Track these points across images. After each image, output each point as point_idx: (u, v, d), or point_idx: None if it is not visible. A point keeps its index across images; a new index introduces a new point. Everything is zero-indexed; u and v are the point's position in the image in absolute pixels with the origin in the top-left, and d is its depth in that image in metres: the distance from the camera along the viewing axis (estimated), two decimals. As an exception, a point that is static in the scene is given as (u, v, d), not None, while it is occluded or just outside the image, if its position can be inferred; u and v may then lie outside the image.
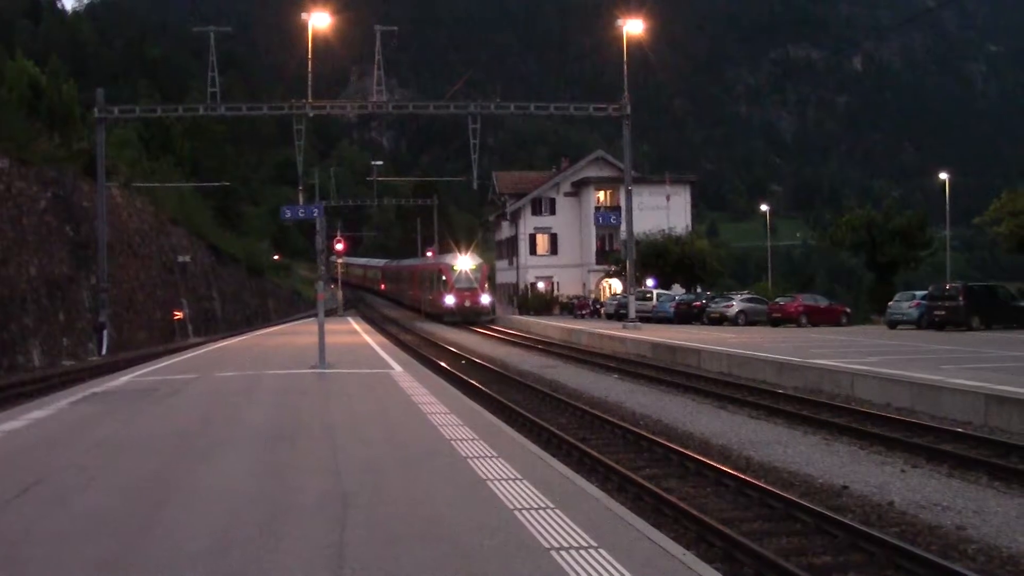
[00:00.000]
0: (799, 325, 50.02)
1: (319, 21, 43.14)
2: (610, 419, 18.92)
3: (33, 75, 54.19)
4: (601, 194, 77.12)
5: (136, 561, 7.16)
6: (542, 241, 79.78)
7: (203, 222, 74.69)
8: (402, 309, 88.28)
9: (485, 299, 65.27)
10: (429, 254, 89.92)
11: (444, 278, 64.92)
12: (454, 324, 61.58)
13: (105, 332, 41.24)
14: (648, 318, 52.95)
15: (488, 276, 71.53)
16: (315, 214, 25.87)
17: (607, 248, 75.62)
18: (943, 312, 41.79)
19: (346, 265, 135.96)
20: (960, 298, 41.85)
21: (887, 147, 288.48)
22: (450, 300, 63.56)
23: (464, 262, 65.10)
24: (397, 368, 23.94)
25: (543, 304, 74.28)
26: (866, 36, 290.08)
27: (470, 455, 11.45)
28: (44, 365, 34.59)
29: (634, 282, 49.91)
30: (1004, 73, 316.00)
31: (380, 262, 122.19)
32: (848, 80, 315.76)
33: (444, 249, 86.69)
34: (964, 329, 40.73)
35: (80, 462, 11.47)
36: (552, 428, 17.85)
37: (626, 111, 44.47)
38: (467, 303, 63.57)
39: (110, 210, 45.12)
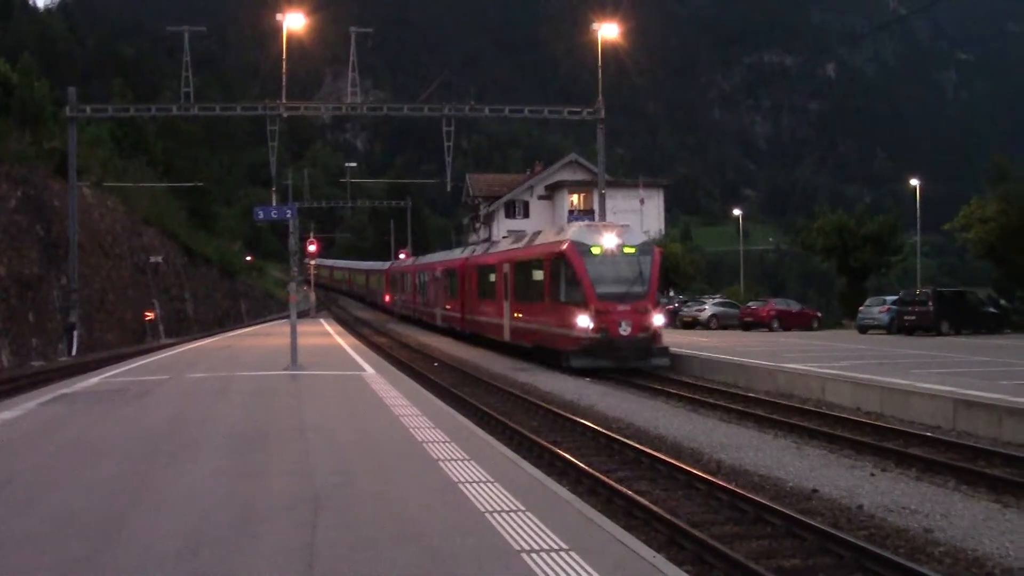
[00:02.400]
0: (771, 329, 50.32)
1: (293, 22, 42.98)
2: (582, 422, 18.93)
3: (3, 72, 53.67)
4: (575, 197, 77.28)
5: (105, 562, 7.13)
6: (516, 244, 78.92)
7: (176, 222, 74.25)
8: (420, 328, 57.78)
9: (658, 319, 30.05)
10: (402, 256, 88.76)
11: (568, 268, 29.96)
12: (586, 372, 28.81)
13: (75, 333, 40.97)
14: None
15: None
16: (288, 215, 25.73)
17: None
18: (913, 317, 42.14)
19: (328, 268, 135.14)
20: (930, 303, 42.22)
21: (859, 153, 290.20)
22: (584, 320, 28.87)
23: (612, 236, 30.17)
24: (369, 370, 23.89)
25: None
26: (839, 43, 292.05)
27: (442, 457, 11.46)
28: (13, 366, 34.32)
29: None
30: (974, 81, 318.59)
31: (377, 265, 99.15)
32: (821, 86, 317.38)
33: (420, 251, 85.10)
34: (934, 334, 41.09)
35: (49, 463, 11.41)
36: (524, 431, 17.85)
37: (600, 115, 44.52)
38: (626, 328, 28.81)
39: (81, 210, 44.84)
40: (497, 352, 38.63)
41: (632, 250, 29.79)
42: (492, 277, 39.72)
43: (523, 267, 35.17)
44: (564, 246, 30.11)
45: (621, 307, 28.85)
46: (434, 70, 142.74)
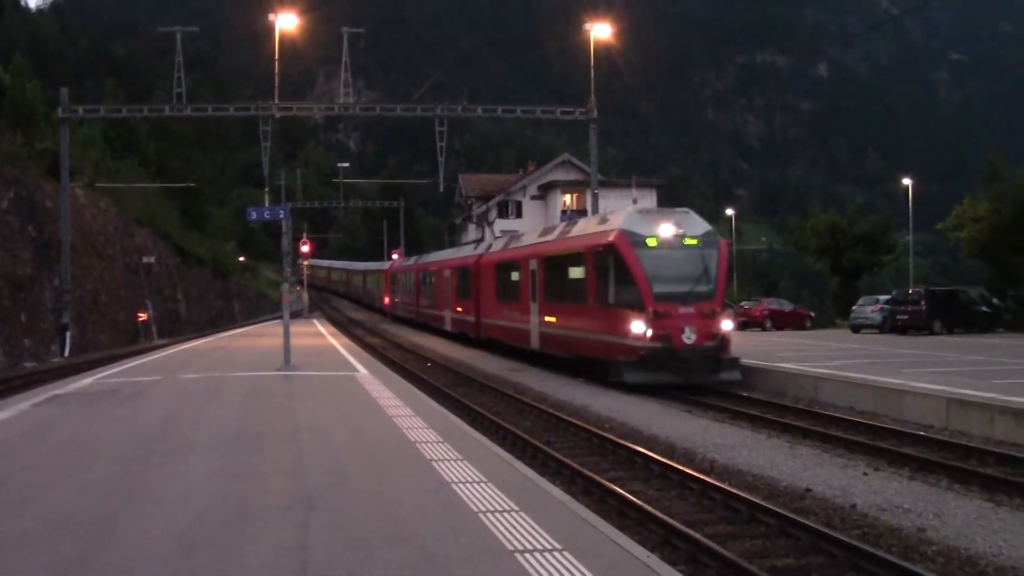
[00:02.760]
0: (764, 329, 50.41)
1: (286, 22, 42.95)
2: (576, 422, 18.94)
3: (-5, 73, 53.61)
4: (568, 197, 77.26)
5: (99, 563, 7.12)
6: (509, 244, 78.69)
7: (168, 223, 74.10)
8: (426, 333, 53.60)
9: (727, 324, 25.52)
10: (395, 256, 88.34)
11: (618, 263, 25.45)
12: (637, 388, 24.61)
13: (68, 333, 40.87)
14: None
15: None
16: (281, 216, 25.70)
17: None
18: (906, 316, 42.24)
19: (324, 268, 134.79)
20: (922, 303, 42.34)
21: (852, 153, 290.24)
22: (639, 326, 24.42)
23: (669, 225, 25.56)
24: (362, 371, 23.88)
25: None
26: (832, 43, 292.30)
27: (435, 458, 11.45)
28: (5, 367, 34.24)
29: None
30: (966, 81, 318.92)
31: (375, 265, 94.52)
32: (814, 86, 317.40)
33: (413, 251, 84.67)
34: (926, 333, 41.19)
35: (42, 464, 11.39)
36: (517, 431, 17.85)
37: (593, 115, 44.52)
38: (690, 335, 24.27)
39: (74, 210, 44.75)
40: (487, 354, 38.50)
41: (694, 241, 25.21)
42: (515, 275, 35.29)
43: (557, 263, 30.60)
44: (612, 236, 25.29)
45: (684, 310, 24.22)
46: (427, 70, 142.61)
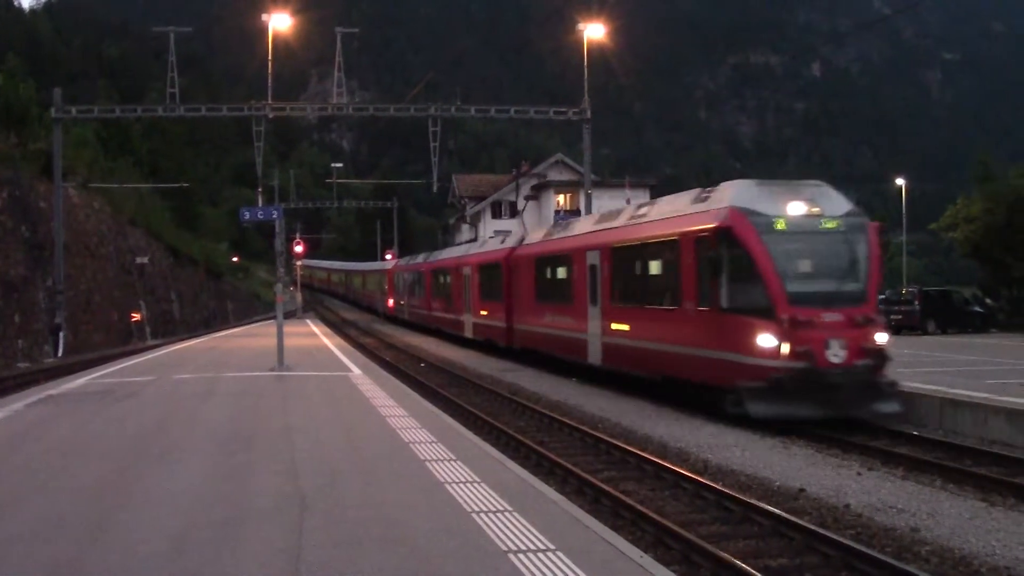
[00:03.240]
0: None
1: (279, 23, 42.86)
2: (569, 422, 18.92)
3: (-11, 73, 53.49)
4: (561, 197, 77.17)
5: (91, 564, 7.12)
6: (503, 244, 78.29)
7: (162, 223, 74.02)
8: (441, 339, 47.52)
9: (882, 336, 18.50)
10: (388, 257, 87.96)
11: (735, 253, 18.79)
12: (770, 420, 17.94)
13: (61, 334, 40.82)
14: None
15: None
16: (274, 216, 25.69)
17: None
18: (899, 316, 42.26)
19: (324, 270, 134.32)
20: (916, 303, 42.41)
21: (845, 153, 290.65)
22: (768, 339, 17.93)
23: (799, 203, 19.11)
24: (356, 371, 23.88)
25: None
26: (824, 43, 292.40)
27: (428, 458, 11.45)
28: (-1, 367, 34.22)
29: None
30: (959, 81, 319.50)
31: (377, 264, 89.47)
32: (806, 86, 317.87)
33: (406, 251, 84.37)
34: (920, 333, 41.23)
35: (35, 465, 11.37)
36: (511, 431, 17.84)
37: (586, 115, 44.49)
38: (839, 351, 17.80)
39: (67, 211, 44.67)
40: (481, 354, 38.37)
41: (834, 224, 18.91)
42: (563, 272, 29.27)
43: (631, 255, 24.00)
44: (725, 217, 18.84)
45: (829, 317, 18.00)
46: (420, 70, 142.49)
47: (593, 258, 25.99)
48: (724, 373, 18.69)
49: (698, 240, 19.73)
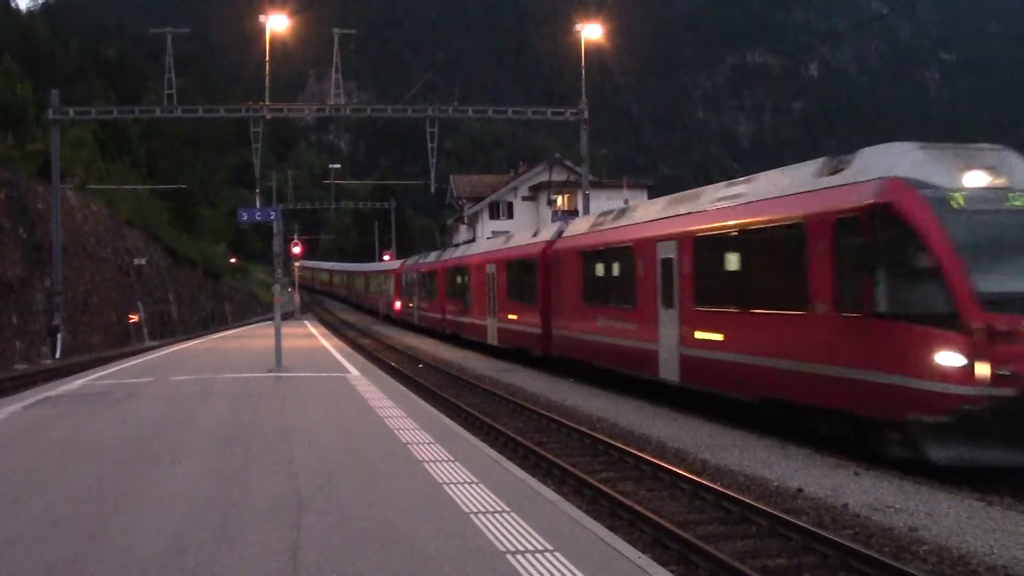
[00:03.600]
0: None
1: (277, 24, 42.87)
2: (567, 422, 18.91)
3: (-15, 75, 53.44)
4: (559, 198, 77.23)
5: (89, 564, 7.12)
6: (501, 245, 78.02)
7: (159, 224, 73.94)
8: (456, 345, 43.44)
9: None
10: (387, 258, 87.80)
11: (902, 239, 13.66)
12: (962, 468, 13.31)
13: (59, 335, 40.78)
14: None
15: None
16: (272, 217, 25.69)
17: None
18: None
19: (326, 271, 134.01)
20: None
21: (842, 152, 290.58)
22: (953, 357, 12.88)
23: (979, 172, 13.96)
24: (354, 372, 23.87)
25: None
26: (822, 43, 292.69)
27: (426, 459, 11.46)
28: (-4, 369, 34.20)
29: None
30: (956, 81, 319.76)
31: (382, 265, 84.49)
32: (804, 86, 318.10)
33: (404, 252, 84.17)
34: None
35: (33, 466, 11.38)
36: (509, 431, 17.84)
37: (584, 115, 44.49)
38: None
39: (65, 212, 44.62)
40: (479, 355, 38.30)
41: None
42: (619, 268, 24.30)
43: (730, 245, 18.80)
44: (883, 190, 14.08)
45: None
46: (418, 71, 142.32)
47: (667, 250, 20.96)
48: (883, 401, 13.89)
49: (839, 222, 14.85)
